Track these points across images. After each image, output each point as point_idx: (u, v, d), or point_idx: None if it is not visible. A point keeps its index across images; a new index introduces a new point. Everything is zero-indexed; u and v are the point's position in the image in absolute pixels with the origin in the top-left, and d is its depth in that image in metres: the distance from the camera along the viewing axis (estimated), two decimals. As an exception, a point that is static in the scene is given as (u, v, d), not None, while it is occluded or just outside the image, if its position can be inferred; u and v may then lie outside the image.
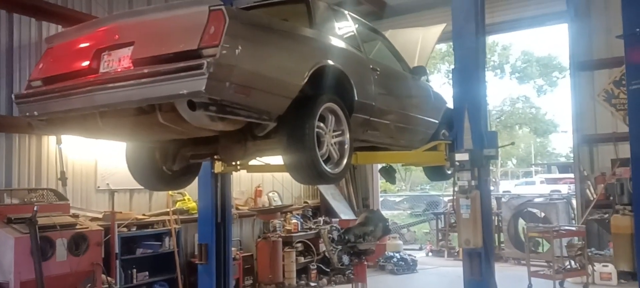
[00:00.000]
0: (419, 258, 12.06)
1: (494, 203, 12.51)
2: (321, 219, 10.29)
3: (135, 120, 3.68)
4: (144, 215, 7.29)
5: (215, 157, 4.64)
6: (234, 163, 6.32)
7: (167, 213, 7.43)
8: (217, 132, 4.12)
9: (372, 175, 12.07)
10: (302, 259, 9.34)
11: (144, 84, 3.24)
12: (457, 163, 4.82)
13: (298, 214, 10.05)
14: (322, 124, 4.07)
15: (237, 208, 8.88)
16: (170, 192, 7.73)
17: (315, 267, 9.29)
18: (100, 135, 4.39)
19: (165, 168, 4.82)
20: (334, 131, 4.23)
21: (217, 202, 6.56)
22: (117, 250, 6.46)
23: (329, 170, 4.05)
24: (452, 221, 13.01)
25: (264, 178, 9.80)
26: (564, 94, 32.98)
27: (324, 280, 9.02)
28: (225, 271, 6.59)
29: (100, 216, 6.61)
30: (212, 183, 6.51)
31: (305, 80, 3.77)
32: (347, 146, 4.31)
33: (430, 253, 12.93)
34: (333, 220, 10.40)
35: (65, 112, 3.67)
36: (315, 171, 3.88)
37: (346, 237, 6.00)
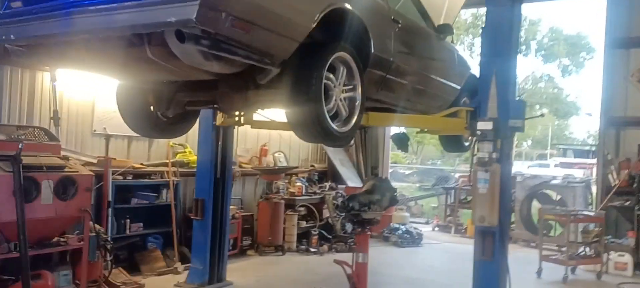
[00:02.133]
0: (425, 232, 11.71)
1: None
2: (327, 184, 9.92)
3: (122, 53, 3.28)
4: (141, 164, 6.96)
5: (214, 106, 4.23)
6: (236, 115, 5.98)
7: (166, 165, 7.09)
8: (214, 76, 3.71)
9: (383, 143, 11.62)
10: (304, 224, 9.02)
11: (129, 9, 2.82)
12: (479, 132, 4.36)
13: (303, 177, 9.69)
14: (331, 76, 3.63)
15: (240, 166, 8.53)
16: (170, 143, 7.39)
17: (317, 232, 8.98)
18: (86, 68, 4.00)
19: (160, 114, 4.45)
20: (344, 85, 3.79)
21: (217, 157, 6.24)
22: (110, 198, 6.15)
23: (335, 127, 3.63)
24: (462, 197, 12.62)
25: (270, 137, 9.41)
26: (590, 75, 31.92)
27: (325, 247, 8.72)
28: (221, 228, 6.31)
29: (94, 161, 6.29)
30: (213, 137, 6.18)
31: (316, 22, 3.31)
32: (358, 103, 3.87)
33: (436, 228, 12.58)
34: (339, 186, 10.04)
35: (44, 37, 3.27)
36: (320, 127, 3.47)
37: (350, 204, 5.59)
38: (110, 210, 6.18)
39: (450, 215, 12.69)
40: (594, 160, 33.34)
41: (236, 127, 6.27)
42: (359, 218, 5.68)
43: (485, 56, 4.66)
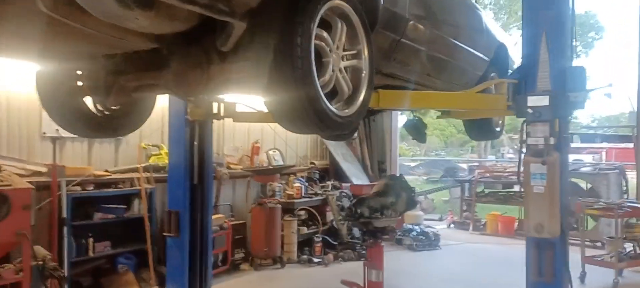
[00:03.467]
0: (440, 231, 10.58)
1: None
2: (329, 183, 8.79)
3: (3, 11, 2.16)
4: (106, 171, 5.85)
5: (169, 90, 3.10)
6: (214, 108, 4.89)
7: (137, 170, 5.97)
8: (157, 43, 2.58)
9: (390, 134, 10.46)
10: (305, 230, 7.90)
11: None
12: (530, 110, 3.21)
13: (302, 177, 8.56)
14: (325, 35, 2.49)
15: (228, 167, 7.41)
16: (143, 143, 6.27)
17: (321, 239, 7.85)
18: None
19: (98, 106, 3.32)
20: (344, 49, 2.65)
21: (193, 159, 5.09)
22: (65, 214, 5.05)
23: (334, 110, 2.49)
24: (479, 190, 11.47)
25: (263, 133, 8.28)
26: (600, 56, 30.55)
27: (330, 256, 7.58)
28: (202, 245, 5.19)
29: (44, 170, 5.17)
30: (187, 134, 5.03)
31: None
32: (364, 75, 2.73)
33: (452, 225, 11.44)
34: (343, 184, 8.90)
35: None
36: (311, 109, 2.33)
37: (359, 210, 4.48)
38: (65, 229, 5.07)
39: (467, 210, 11.54)
40: (603, 144, 32.26)
41: (217, 121, 5.16)
42: (370, 227, 4.56)
43: (531, 10, 3.51)
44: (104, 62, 3.08)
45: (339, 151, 9.59)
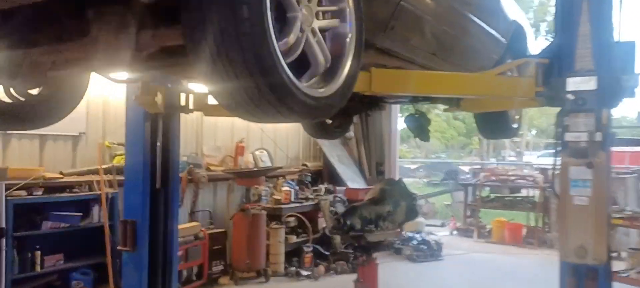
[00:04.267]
0: (442, 238, 9.81)
1: (540, 176, 10.15)
2: (322, 187, 8.02)
3: None
4: (61, 173, 5.08)
5: (90, 65, 2.33)
6: (182, 99, 4.15)
7: (97, 172, 5.21)
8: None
9: (389, 134, 9.69)
10: (293, 238, 7.12)
11: None
12: (571, 97, 2.44)
13: (292, 180, 7.79)
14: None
15: (208, 169, 6.64)
16: (106, 142, 5.51)
17: (311, 248, 7.08)
18: None
19: (12, 91, 2.57)
20: (319, 4, 1.88)
21: (155, 159, 4.32)
22: (3, 223, 4.28)
23: (303, 87, 1.72)
24: (485, 194, 10.71)
25: (249, 132, 7.52)
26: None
27: (321, 268, 6.80)
28: (165, 262, 4.41)
29: (-20, 172, 4.40)
30: (147, 131, 4.26)
31: None
32: (350, 41, 1.96)
33: (455, 232, 10.68)
34: (338, 188, 8.14)
35: None
36: (266, 83, 1.56)
37: (349, 222, 3.71)
38: (4, 240, 4.30)
39: (471, 216, 10.77)
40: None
41: (194, 116, 4.42)
42: (362, 243, 3.78)
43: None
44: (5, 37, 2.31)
45: (334, 152, 8.83)
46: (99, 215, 5.19)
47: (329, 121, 5.11)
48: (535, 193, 10.75)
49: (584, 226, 2.39)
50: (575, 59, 2.59)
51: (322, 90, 1.83)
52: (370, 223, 3.82)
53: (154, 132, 4.27)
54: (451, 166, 24.75)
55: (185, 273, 5.75)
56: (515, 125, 4.25)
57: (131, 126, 4.30)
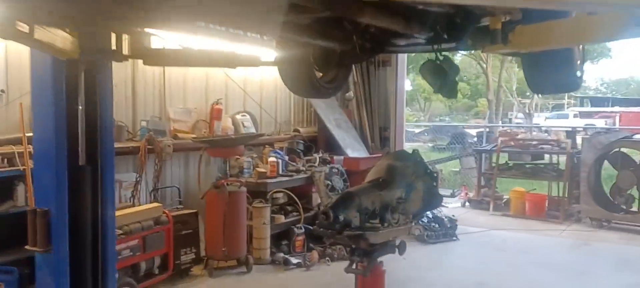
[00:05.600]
0: (453, 209, 8.71)
1: (567, 140, 8.93)
2: (317, 157, 6.84)
3: None
4: (-32, 144, 3.92)
5: None
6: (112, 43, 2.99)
7: (19, 141, 4.02)
8: None
9: (395, 95, 8.42)
10: (282, 219, 5.99)
11: None
12: None
13: (280, 149, 6.60)
14: None
15: (175, 137, 5.46)
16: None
17: (303, 230, 5.95)
18: None
19: None
20: None
21: (78, 126, 3.15)
22: None
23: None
24: (502, 161, 9.52)
25: (228, 91, 6.30)
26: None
27: (314, 254, 5.67)
28: (96, 262, 3.29)
29: None
30: (61, 85, 3.07)
31: None
32: None
33: (467, 204, 9.54)
34: (335, 158, 6.96)
35: None
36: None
37: (341, 217, 2.52)
38: None
39: (485, 185, 9.62)
40: (616, 109, 30.16)
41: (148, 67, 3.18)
42: (361, 245, 2.61)
43: None
44: None
45: (331, 116, 7.61)
46: (25, 197, 4.04)
47: (319, 74, 3.88)
48: (559, 159, 9.59)
49: None
50: None
51: None
52: (373, 216, 2.65)
53: (72, 88, 3.06)
54: (457, 130, 23.58)
55: (143, 266, 4.64)
56: (578, 74, 3.02)
57: (38, 81, 3.09)
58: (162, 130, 5.27)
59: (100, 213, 3.26)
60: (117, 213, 4.41)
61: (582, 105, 39.61)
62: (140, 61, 3.25)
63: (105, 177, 3.31)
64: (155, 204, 4.87)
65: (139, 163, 4.98)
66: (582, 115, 32.70)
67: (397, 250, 2.78)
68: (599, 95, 39.82)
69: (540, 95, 27.49)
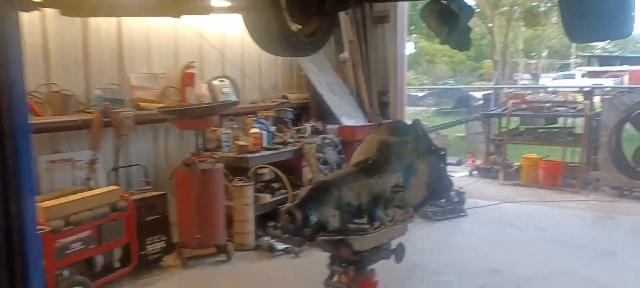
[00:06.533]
0: (460, 179, 8.01)
1: (585, 101, 8.13)
2: (308, 126, 6.09)
3: None
4: None
5: None
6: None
7: None
8: None
9: (394, 57, 7.57)
10: (267, 198, 5.29)
11: None
12: None
13: (265, 119, 5.83)
14: None
15: (138, 107, 4.71)
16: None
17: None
18: None
19: None
20: None
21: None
22: None
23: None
24: (513, 126, 8.75)
25: (203, 53, 5.52)
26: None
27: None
28: (12, 267, 2.59)
29: None
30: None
31: None
32: None
33: (474, 172, 8.82)
34: (329, 127, 6.21)
35: None
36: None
37: (312, 217, 1.79)
38: None
39: (495, 152, 8.87)
40: (624, 67, 29.22)
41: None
42: (344, 254, 1.85)
43: None
44: None
45: (323, 79, 6.81)
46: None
47: (297, 26, 3.09)
48: (574, 123, 8.82)
49: None
50: None
51: None
52: (358, 214, 1.91)
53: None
54: (462, 92, 22.72)
55: (99, 260, 3.96)
56: (633, 13, 2.23)
57: None
58: (121, 100, 4.52)
59: (11, 205, 2.55)
60: (60, 200, 3.72)
61: (589, 64, 38.51)
62: (93, 18, 2.52)
63: (19, 159, 2.58)
64: (112, 187, 4.15)
65: (93, 138, 4.25)
66: (590, 74, 31.72)
67: (393, 255, 2.05)
68: (606, 54, 38.69)
69: (577, 45, 26.22)
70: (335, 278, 2.06)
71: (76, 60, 4.37)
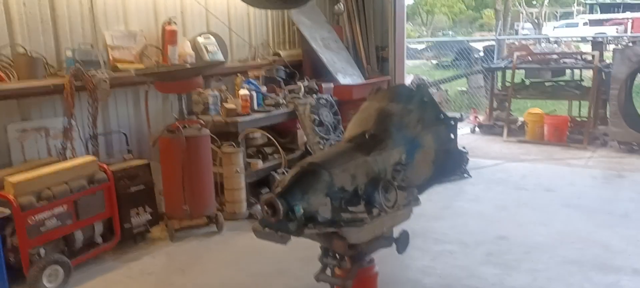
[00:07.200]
0: (462, 136, 7.70)
1: (592, 50, 7.71)
2: (301, 85, 5.71)
3: None
4: None
5: None
6: None
7: None
8: None
9: (393, 7, 7.10)
10: (260, 164, 4.98)
11: None
12: None
13: (255, 79, 5.44)
14: None
15: (115, 69, 4.32)
16: None
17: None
18: None
19: None
20: None
21: None
22: None
23: None
24: (520, 80, 8.36)
25: (184, 7, 5.07)
26: None
27: (299, 206, 4.74)
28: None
29: None
30: None
31: None
32: None
33: (477, 129, 8.50)
34: (324, 86, 5.84)
35: None
36: None
37: (298, 208, 1.47)
38: None
39: (498, 108, 8.51)
40: (627, 14, 28.45)
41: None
42: (338, 248, 1.51)
43: None
44: None
45: (317, 34, 6.38)
46: None
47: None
48: (582, 75, 8.43)
49: None
50: None
51: None
52: (354, 201, 1.59)
53: None
54: (462, 44, 22.13)
55: (79, 235, 3.69)
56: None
57: None
58: (95, 61, 4.12)
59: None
60: (30, 174, 3.41)
61: (591, 12, 37.57)
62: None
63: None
64: (89, 158, 3.82)
65: (65, 104, 3.88)
66: (592, 22, 30.95)
67: (395, 244, 1.74)
68: (609, 1, 37.66)
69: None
70: (327, 271, 1.76)
71: (43, 19, 3.94)
